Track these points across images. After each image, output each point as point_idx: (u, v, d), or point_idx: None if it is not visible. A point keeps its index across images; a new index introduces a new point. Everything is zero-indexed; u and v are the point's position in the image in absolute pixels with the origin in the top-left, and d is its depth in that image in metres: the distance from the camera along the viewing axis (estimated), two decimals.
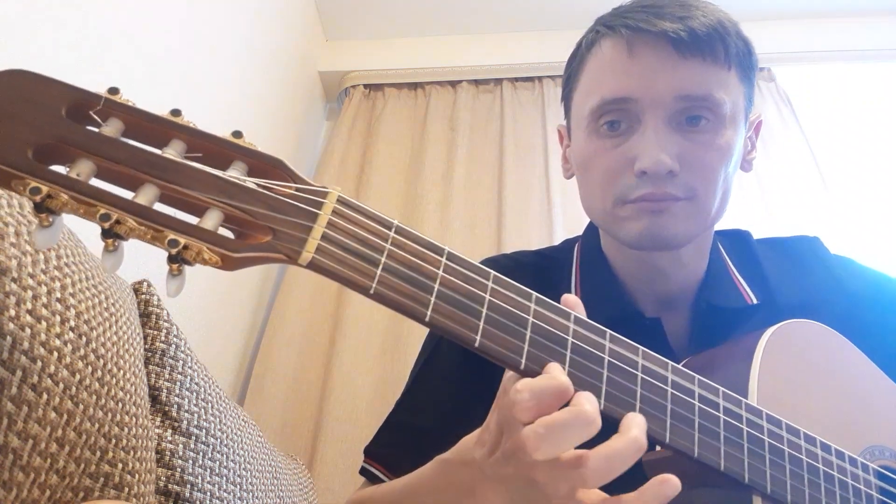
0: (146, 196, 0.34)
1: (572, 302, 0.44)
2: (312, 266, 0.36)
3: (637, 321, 0.67)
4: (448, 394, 0.71)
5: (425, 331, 0.74)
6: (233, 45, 1.41)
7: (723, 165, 0.61)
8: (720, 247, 0.72)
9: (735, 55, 0.61)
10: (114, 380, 0.55)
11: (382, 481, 0.69)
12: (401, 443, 0.72)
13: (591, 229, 0.76)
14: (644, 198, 0.60)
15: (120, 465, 0.54)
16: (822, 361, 0.56)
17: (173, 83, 1.16)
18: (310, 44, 1.93)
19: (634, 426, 0.38)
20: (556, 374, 0.38)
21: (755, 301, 0.67)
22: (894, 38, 1.82)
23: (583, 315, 0.44)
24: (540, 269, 0.75)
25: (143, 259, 0.97)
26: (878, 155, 1.80)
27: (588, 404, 0.37)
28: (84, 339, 0.51)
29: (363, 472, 0.72)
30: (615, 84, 0.62)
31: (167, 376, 0.75)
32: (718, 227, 0.74)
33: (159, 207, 0.35)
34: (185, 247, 0.33)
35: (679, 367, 0.45)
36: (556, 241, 1.54)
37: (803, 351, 0.55)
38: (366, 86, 2.00)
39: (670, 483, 0.38)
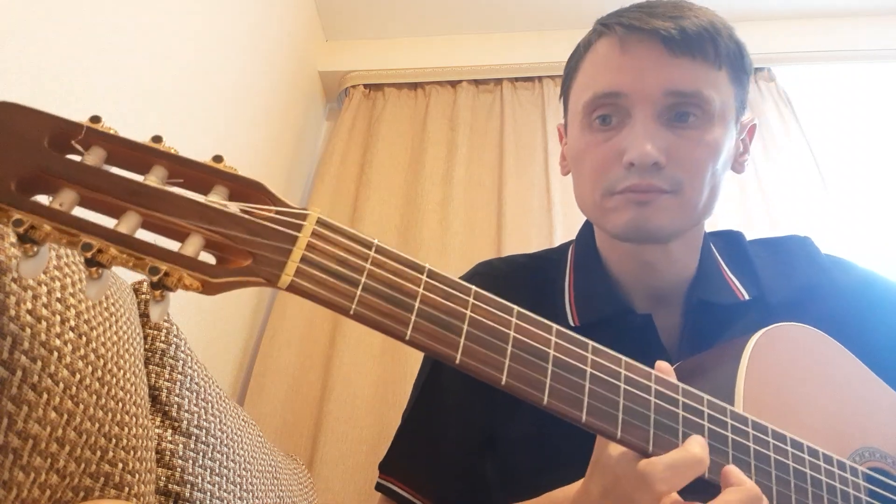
0: (128, 224, 0.35)
1: (665, 368, 0.46)
2: (292, 289, 0.36)
3: (629, 317, 0.67)
4: (455, 404, 0.71)
5: None
6: (232, 45, 1.41)
7: (710, 162, 0.62)
8: (712, 246, 0.72)
9: (726, 56, 0.62)
10: (114, 380, 0.56)
11: (401, 496, 0.70)
12: (415, 457, 0.73)
13: (587, 228, 0.77)
14: (630, 189, 0.61)
15: (120, 465, 0.54)
16: (809, 364, 0.56)
17: (172, 84, 1.16)
18: (310, 44, 1.93)
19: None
20: (689, 447, 0.41)
21: (747, 297, 0.68)
22: (894, 38, 1.82)
23: (673, 380, 0.45)
24: (534, 270, 0.76)
25: None
26: (878, 155, 1.79)
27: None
28: (84, 338, 0.52)
29: (379, 487, 0.72)
30: (607, 79, 0.63)
31: (167, 376, 0.75)
32: (711, 229, 0.74)
33: (142, 234, 0.35)
34: (166, 273, 0.34)
35: (662, 377, 0.46)
36: (556, 242, 1.54)
37: (790, 354, 0.55)
38: (366, 86, 2.00)
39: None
